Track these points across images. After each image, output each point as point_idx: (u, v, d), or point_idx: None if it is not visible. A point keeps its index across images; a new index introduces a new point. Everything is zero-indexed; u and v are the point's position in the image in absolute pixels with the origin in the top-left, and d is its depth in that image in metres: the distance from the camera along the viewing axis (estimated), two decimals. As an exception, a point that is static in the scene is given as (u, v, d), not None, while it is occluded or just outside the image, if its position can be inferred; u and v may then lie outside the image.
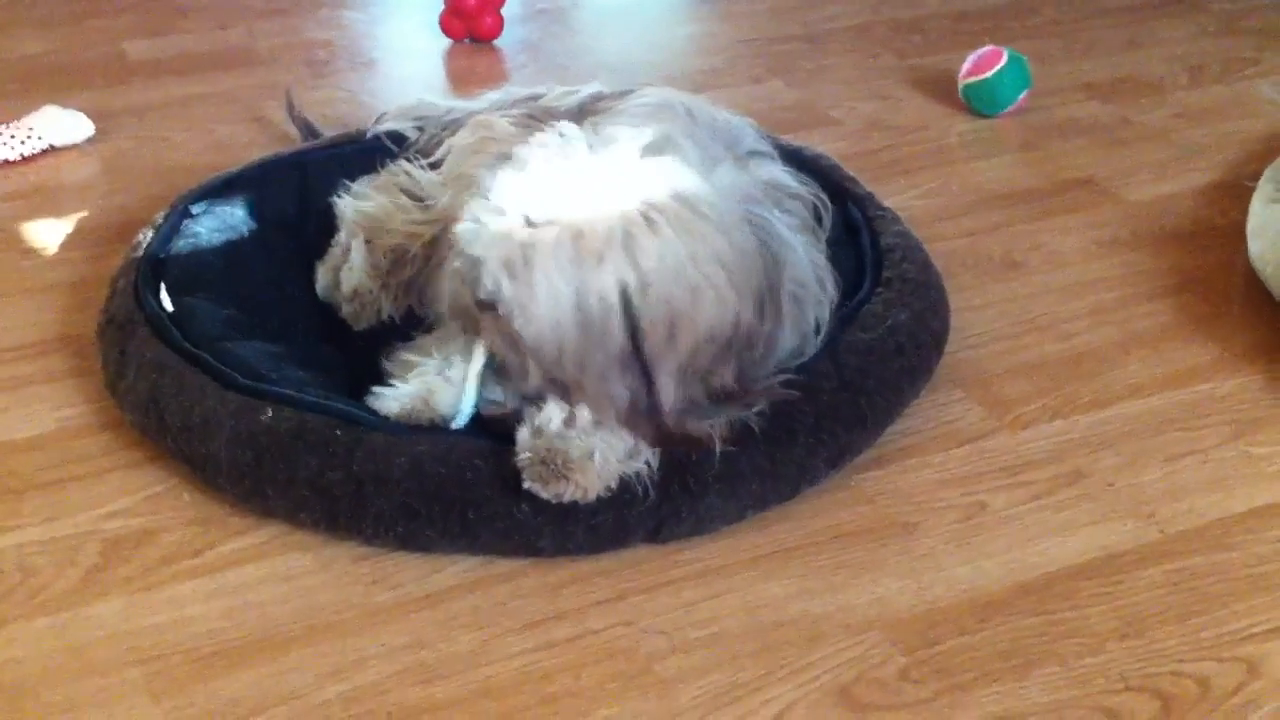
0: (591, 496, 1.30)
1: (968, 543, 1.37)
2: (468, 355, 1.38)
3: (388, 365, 1.45)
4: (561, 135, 1.34)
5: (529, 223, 1.26)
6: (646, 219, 1.27)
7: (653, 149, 1.33)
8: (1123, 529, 1.39)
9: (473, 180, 1.38)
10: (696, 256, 1.27)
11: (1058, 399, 1.58)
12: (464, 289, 1.34)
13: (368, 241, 1.63)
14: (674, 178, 1.31)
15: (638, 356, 1.28)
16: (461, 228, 1.30)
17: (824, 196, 1.66)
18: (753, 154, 1.59)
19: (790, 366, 1.45)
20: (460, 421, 1.38)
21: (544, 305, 1.26)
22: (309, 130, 2.07)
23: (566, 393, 1.31)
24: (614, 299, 1.26)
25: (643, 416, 1.31)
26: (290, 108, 2.09)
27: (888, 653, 1.24)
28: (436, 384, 1.40)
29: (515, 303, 1.27)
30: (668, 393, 1.30)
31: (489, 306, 1.29)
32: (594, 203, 1.27)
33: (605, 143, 1.33)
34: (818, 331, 1.49)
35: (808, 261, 1.49)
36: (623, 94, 1.66)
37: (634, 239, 1.26)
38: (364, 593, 1.31)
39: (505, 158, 1.35)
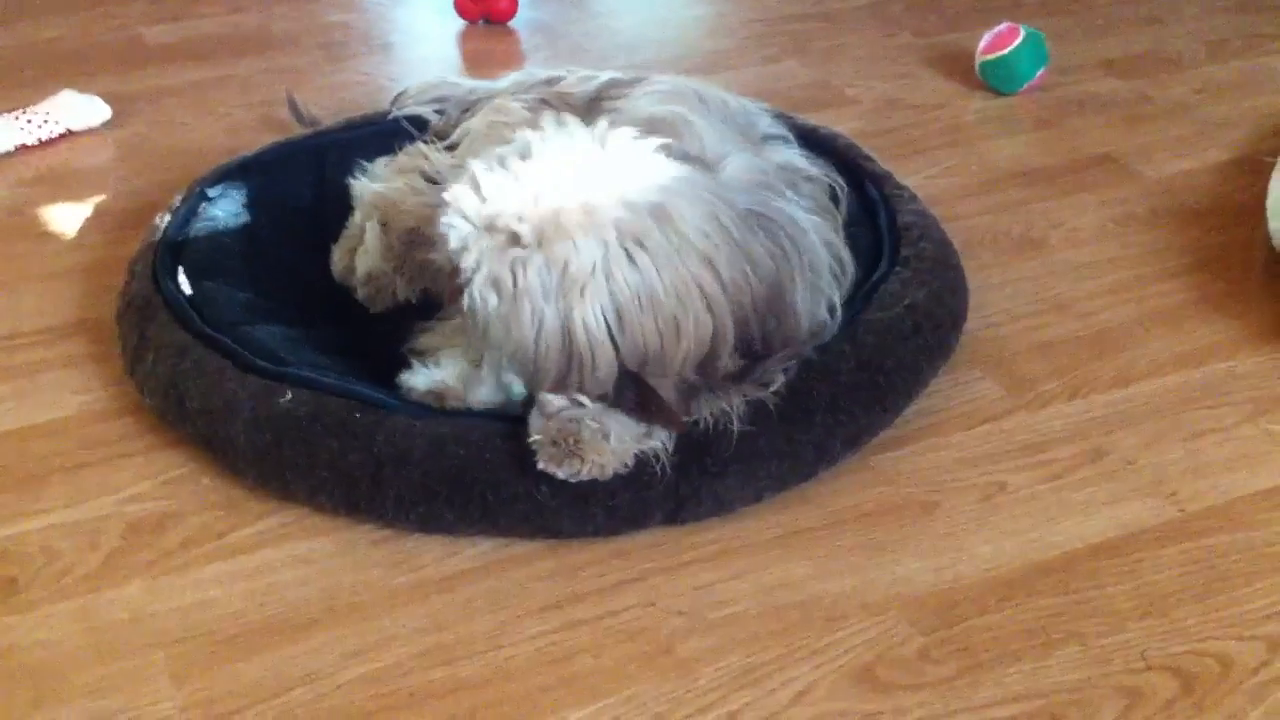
0: (609, 473, 1.30)
1: (988, 522, 1.37)
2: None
3: (413, 346, 1.46)
4: (561, 131, 1.33)
5: (517, 240, 1.25)
6: (627, 250, 1.26)
7: (653, 153, 1.32)
8: (1143, 508, 1.39)
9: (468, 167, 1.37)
10: (675, 285, 1.27)
11: (1077, 378, 1.57)
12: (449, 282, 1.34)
13: (383, 224, 1.63)
14: (667, 189, 1.29)
15: (620, 372, 1.29)
16: (448, 225, 1.29)
17: (840, 179, 1.65)
18: (767, 139, 1.58)
19: (807, 349, 1.44)
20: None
21: (528, 328, 1.26)
22: (313, 127, 2.05)
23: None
24: (597, 330, 1.26)
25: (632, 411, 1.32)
26: (293, 106, 2.08)
27: (908, 632, 1.24)
28: (470, 374, 1.40)
29: (499, 320, 1.27)
30: (666, 394, 1.31)
31: (472, 314, 1.30)
32: (583, 220, 1.25)
33: (604, 143, 1.32)
34: (834, 314, 1.48)
35: (821, 245, 1.49)
36: (636, 81, 1.65)
37: (614, 270, 1.25)
38: (384, 575, 1.31)
39: (505, 143, 1.34)
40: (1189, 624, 1.25)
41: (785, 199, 1.46)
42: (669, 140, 1.35)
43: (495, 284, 1.26)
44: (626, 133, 1.33)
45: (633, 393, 1.30)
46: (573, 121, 1.34)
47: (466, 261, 1.27)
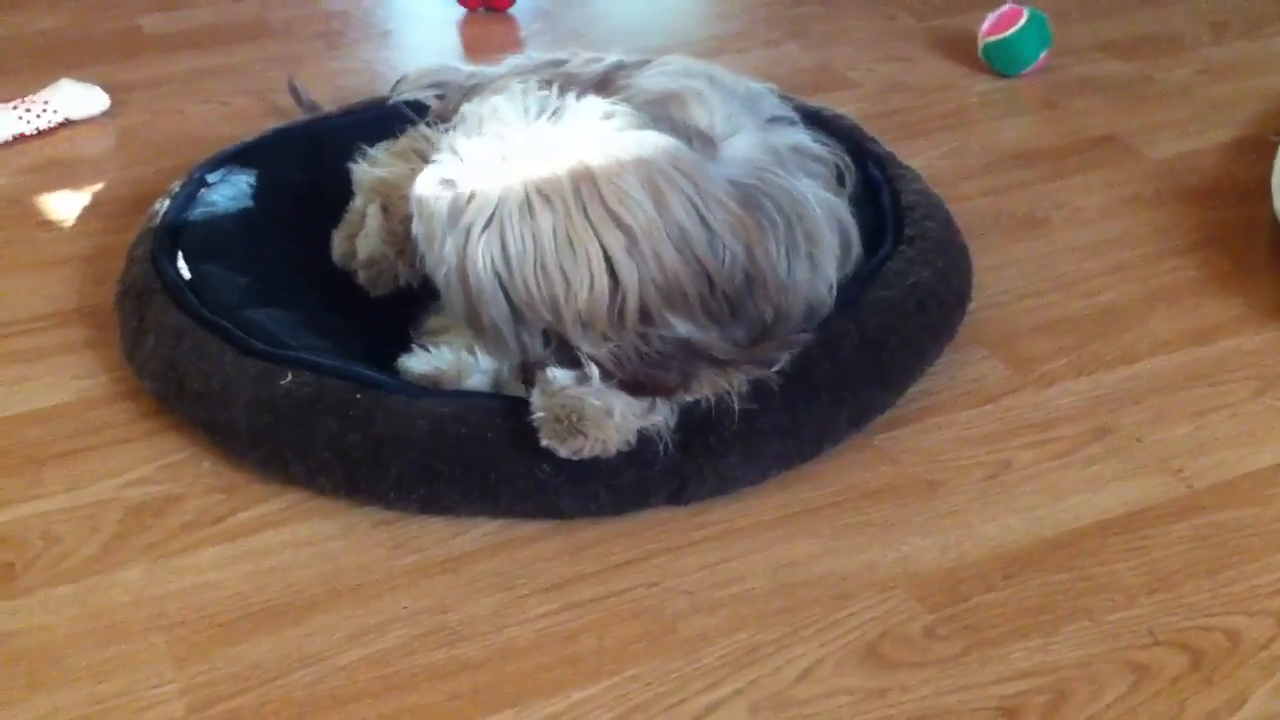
0: (611, 450, 1.29)
1: (993, 500, 1.36)
2: None
3: (419, 327, 1.46)
4: (518, 96, 1.33)
5: (442, 180, 1.29)
6: (529, 202, 1.26)
7: (610, 115, 1.32)
8: (1150, 484, 1.38)
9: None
10: (571, 248, 1.26)
11: (1082, 356, 1.56)
12: None
13: (384, 208, 1.62)
14: (596, 157, 1.28)
15: (522, 321, 1.29)
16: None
17: (847, 158, 1.64)
18: (775, 120, 1.57)
19: (809, 325, 1.43)
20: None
21: (436, 260, 1.30)
22: (313, 111, 2.05)
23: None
24: (486, 275, 1.26)
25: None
26: (294, 91, 2.08)
27: (914, 610, 1.23)
28: (467, 361, 1.40)
29: (424, 250, 1.32)
30: (589, 352, 1.29)
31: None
32: (496, 175, 1.27)
33: (556, 109, 1.32)
34: (831, 292, 1.47)
35: (826, 222, 1.48)
36: (644, 63, 1.64)
37: (506, 220, 1.25)
38: (386, 556, 1.30)
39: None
40: (1197, 599, 1.24)
41: (792, 176, 1.45)
42: (649, 114, 1.35)
43: (421, 213, 1.30)
44: (591, 103, 1.33)
45: (528, 341, 1.30)
46: (529, 94, 1.34)
47: (412, 194, 1.32)
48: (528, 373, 1.34)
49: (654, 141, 1.31)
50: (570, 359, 1.31)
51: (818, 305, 1.45)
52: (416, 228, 1.32)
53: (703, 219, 1.30)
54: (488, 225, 1.26)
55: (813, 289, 1.44)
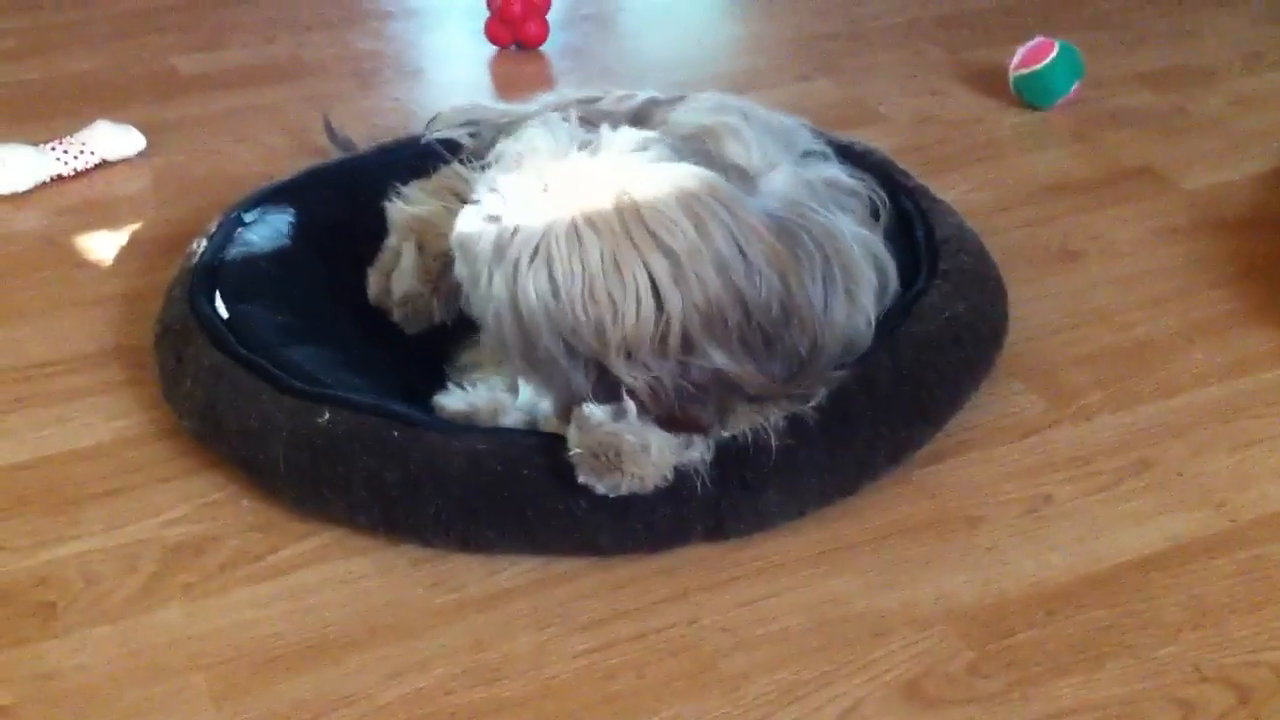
0: (649, 487, 1.29)
1: (1034, 535, 1.35)
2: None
3: (455, 363, 1.47)
4: (553, 131, 1.35)
5: (487, 217, 1.30)
6: (576, 229, 1.27)
7: (647, 145, 1.33)
8: (1192, 518, 1.37)
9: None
10: (618, 271, 1.26)
11: (1121, 389, 1.55)
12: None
13: (419, 245, 1.63)
14: (637, 185, 1.29)
15: (576, 354, 1.29)
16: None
17: (881, 192, 1.64)
18: (808, 154, 1.57)
19: (847, 360, 1.43)
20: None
21: (484, 297, 1.30)
22: (348, 150, 2.06)
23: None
24: (536, 304, 1.27)
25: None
26: (329, 129, 2.09)
27: (955, 647, 1.22)
28: (503, 399, 1.40)
29: (467, 289, 1.33)
30: (630, 385, 1.29)
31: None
32: (540, 206, 1.28)
33: (592, 142, 1.34)
34: (869, 326, 1.47)
35: (865, 258, 1.48)
36: (678, 99, 1.65)
37: (554, 249, 1.26)
38: (424, 595, 1.30)
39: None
40: (1242, 635, 1.23)
41: (829, 212, 1.45)
42: (696, 148, 1.35)
43: (464, 253, 1.31)
44: (626, 134, 1.35)
45: (575, 374, 1.30)
46: (564, 128, 1.37)
47: (453, 236, 1.34)
48: (568, 409, 1.34)
49: (691, 172, 1.32)
50: (610, 393, 1.31)
51: (856, 340, 1.45)
52: (460, 268, 1.33)
53: (740, 248, 1.30)
54: (534, 256, 1.26)
55: (850, 324, 1.43)
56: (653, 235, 1.27)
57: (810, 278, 1.39)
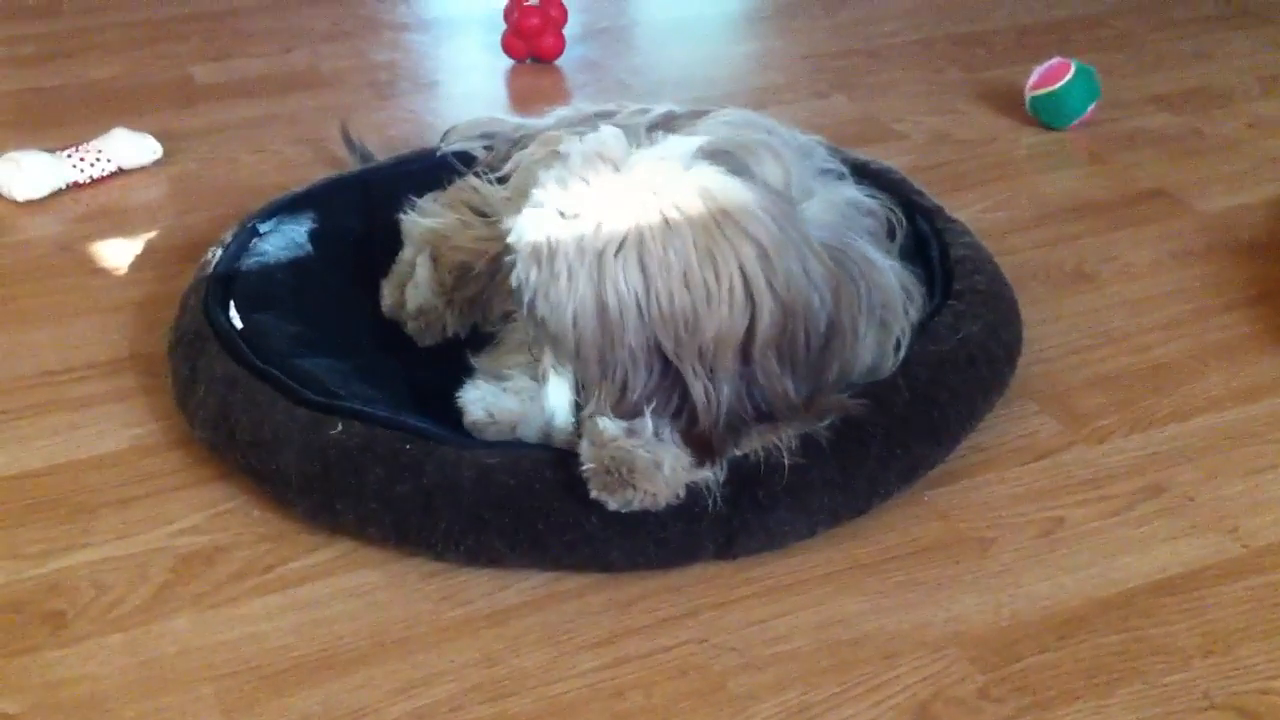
0: (661, 503, 1.29)
1: (1046, 558, 1.35)
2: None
3: (475, 366, 1.46)
4: (608, 137, 1.34)
5: (561, 215, 1.28)
6: (666, 220, 1.27)
7: (701, 153, 1.33)
8: (1205, 544, 1.36)
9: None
10: (712, 254, 1.27)
11: (1135, 412, 1.55)
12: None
13: (433, 258, 1.63)
14: (713, 182, 1.30)
15: (654, 353, 1.28)
16: (509, 224, 1.32)
17: (898, 212, 1.64)
18: (824, 173, 1.58)
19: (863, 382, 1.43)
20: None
21: (564, 295, 1.27)
22: (365, 159, 2.07)
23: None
24: (627, 296, 1.26)
25: (674, 420, 1.31)
26: (346, 138, 2.10)
27: (966, 670, 1.22)
28: (529, 411, 1.40)
29: (539, 291, 1.28)
30: (697, 393, 1.29)
31: (522, 298, 1.31)
32: (625, 200, 1.27)
33: (654, 145, 1.34)
34: (898, 349, 1.48)
35: (897, 287, 1.48)
36: (699, 113, 1.65)
37: (647, 238, 1.26)
38: (434, 609, 1.30)
39: (556, 155, 1.35)
40: (1254, 662, 1.22)
41: (862, 238, 1.46)
42: (731, 164, 1.36)
43: (535, 254, 1.28)
44: (679, 139, 1.35)
45: (650, 384, 1.29)
46: (618, 134, 1.35)
47: (513, 238, 1.30)
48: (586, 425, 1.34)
49: (753, 184, 1.33)
50: (633, 410, 1.30)
51: (879, 368, 1.45)
52: (527, 271, 1.29)
53: (804, 260, 1.31)
54: (622, 247, 1.26)
55: (881, 353, 1.44)
56: (742, 228, 1.27)
57: (854, 304, 1.39)
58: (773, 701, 1.19)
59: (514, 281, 1.31)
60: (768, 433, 1.35)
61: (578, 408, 1.36)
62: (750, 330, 1.28)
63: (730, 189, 1.30)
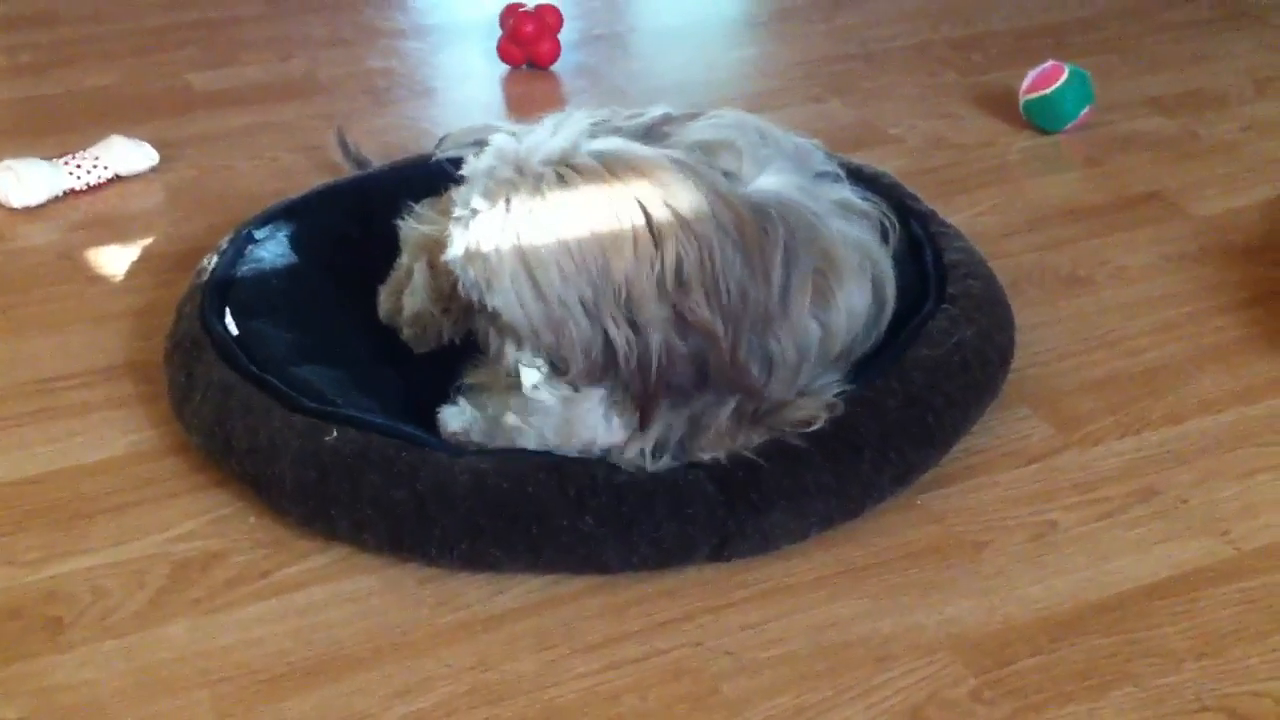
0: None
1: (1039, 561, 1.35)
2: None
3: (461, 383, 1.48)
4: (500, 141, 1.38)
5: (475, 213, 1.33)
6: (562, 178, 1.31)
7: (595, 127, 1.38)
8: (1198, 547, 1.36)
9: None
10: (609, 200, 1.30)
11: (1128, 416, 1.55)
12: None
13: (430, 265, 1.64)
14: (607, 144, 1.35)
15: (585, 307, 1.32)
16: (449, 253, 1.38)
17: (892, 216, 1.64)
18: (821, 175, 1.58)
19: (842, 374, 1.45)
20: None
21: (502, 278, 1.32)
22: (361, 165, 2.07)
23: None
24: (546, 256, 1.30)
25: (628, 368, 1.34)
26: (343, 144, 2.10)
27: (959, 673, 1.23)
28: (506, 423, 1.41)
29: (482, 286, 1.34)
30: (619, 343, 1.32)
31: (475, 303, 1.37)
32: (528, 179, 1.32)
33: (547, 133, 1.38)
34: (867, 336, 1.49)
35: (849, 258, 1.46)
36: (692, 115, 1.65)
37: (550, 199, 1.30)
38: (429, 614, 1.31)
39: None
40: (1247, 664, 1.23)
41: (829, 220, 1.45)
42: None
43: (469, 257, 1.34)
44: (581, 117, 1.40)
45: (592, 335, 1.33)
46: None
47: (448, 256, 1.36)
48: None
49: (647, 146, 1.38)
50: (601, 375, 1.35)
51: (829, 343, 1.44)
52: (470, 275, 1.35)
53: (710, 203, 1.33)
54: (530, 214, 1.30)
55: (825, 321, 1.43)
56: (636, 169, 1.32)
57: (776, 262, 1.38)
58: (767, 705, 1.20)
59: (462, 293, 1.37)
60: (726, 437, 1.36)
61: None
62: (661, 266, 1.30)
63: (623, 145, 1.35)
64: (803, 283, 1.40)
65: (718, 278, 1.32)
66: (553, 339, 1.34)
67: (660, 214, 1.30)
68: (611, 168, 1.32)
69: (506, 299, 1.33)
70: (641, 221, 1.30)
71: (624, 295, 1.30)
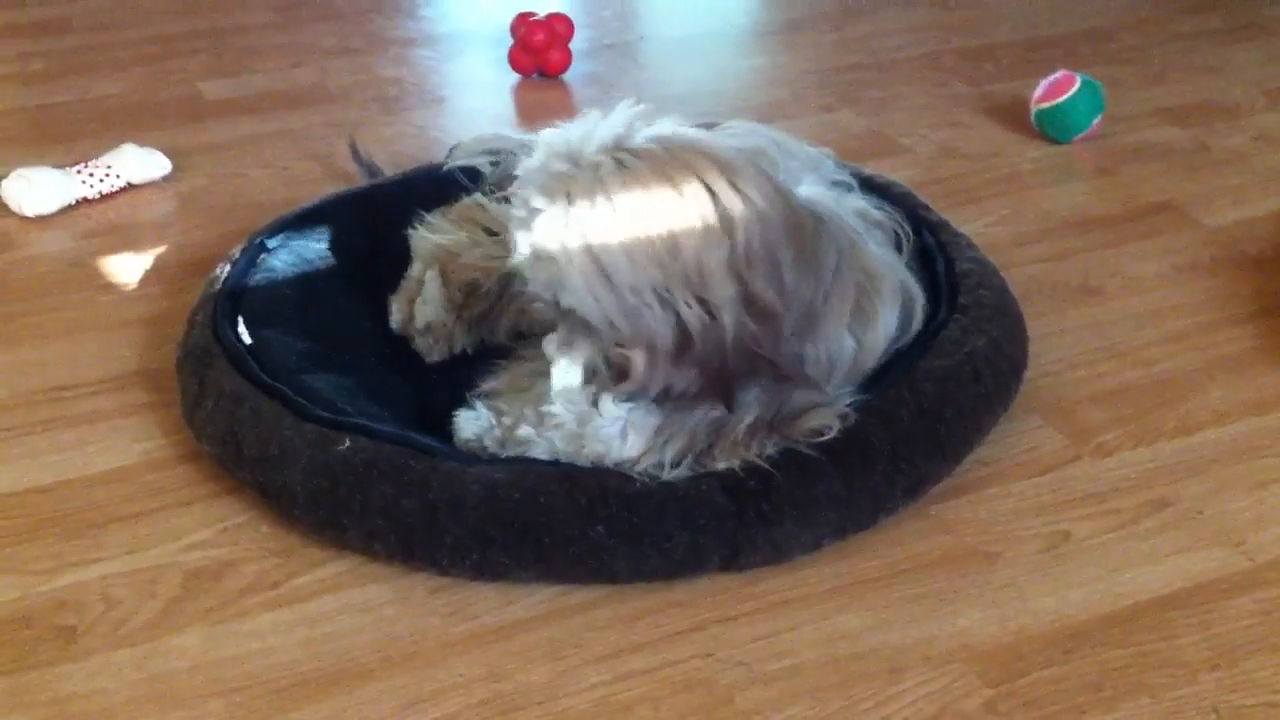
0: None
1: (1052, 573, 1.35)
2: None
3: (481, 389, 1.49)
4: (549, 136, 1.37)
5: (539, 211, 1.31)
6: (622, 164, 1.30)
7: (644, 113, 1.37)
8: (1211, 558, 1.36)
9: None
10: (672, 182, 1.29)
11: (1140, 426, 1.55)
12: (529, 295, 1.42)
13: (442, 274, 1.64)
14: (663, 127, 1.34)
15: (656, 295, 1.31)
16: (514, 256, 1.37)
17: (905, 226, 1.64)
18: (834, 184, 1.58)
19: (858, 381, 1.45)
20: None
21: (573, 275, 1.30)
22: (373, 174, 2.08)
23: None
24: (614, 245, 1.29)
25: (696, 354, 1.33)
26: (355, 153, 2.11)
27: (972, 685, 1.22)
28: (522, 433, 1.41)
29: (556, 286, 1.33)
30: (693, 325, 1.31)
31: (548, 303, 1.36)
32: (586, 170, 1.31)
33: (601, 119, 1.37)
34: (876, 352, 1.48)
35: (887, 276, 1.48)
36: (707, 126, 1.65)
37: (611, 188, 1.29)
38: (440, 624, 1.30)
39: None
40: (1261, 675, 1.22)
41: (861, 235, 1.47)
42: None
43: (537, 257, 1.32)
44: (630, 107, 1.38)
45: (666, 319, 1.32)
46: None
47: (516, 260, 1.35)
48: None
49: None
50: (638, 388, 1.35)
51: (863, 357, 1.45)
52: (536, 280, 1.34)
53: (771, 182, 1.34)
54: (594, 205, 1.29)
55: (863, 339, 1.44)
56: (698, 150, 1.31)
57: (823, 260, 1.39)
58: (779, 716, 1.20)
59: (533, 293, 1.35)
60: (739, 447, 1.36)
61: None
62: (731, 246, 1.29)
63: (682, 131, 1.34)
64: (844, 293, 1.41)
65: (779, 263, 1.32)
66: (628, 328, 1.32)
67: (728, 196, 1.30)
68: (673, 151, 1.31)
69: (580, 296, 1.32)
70: (709, 203, 1.29)
71: (695, 277, 1.30)
